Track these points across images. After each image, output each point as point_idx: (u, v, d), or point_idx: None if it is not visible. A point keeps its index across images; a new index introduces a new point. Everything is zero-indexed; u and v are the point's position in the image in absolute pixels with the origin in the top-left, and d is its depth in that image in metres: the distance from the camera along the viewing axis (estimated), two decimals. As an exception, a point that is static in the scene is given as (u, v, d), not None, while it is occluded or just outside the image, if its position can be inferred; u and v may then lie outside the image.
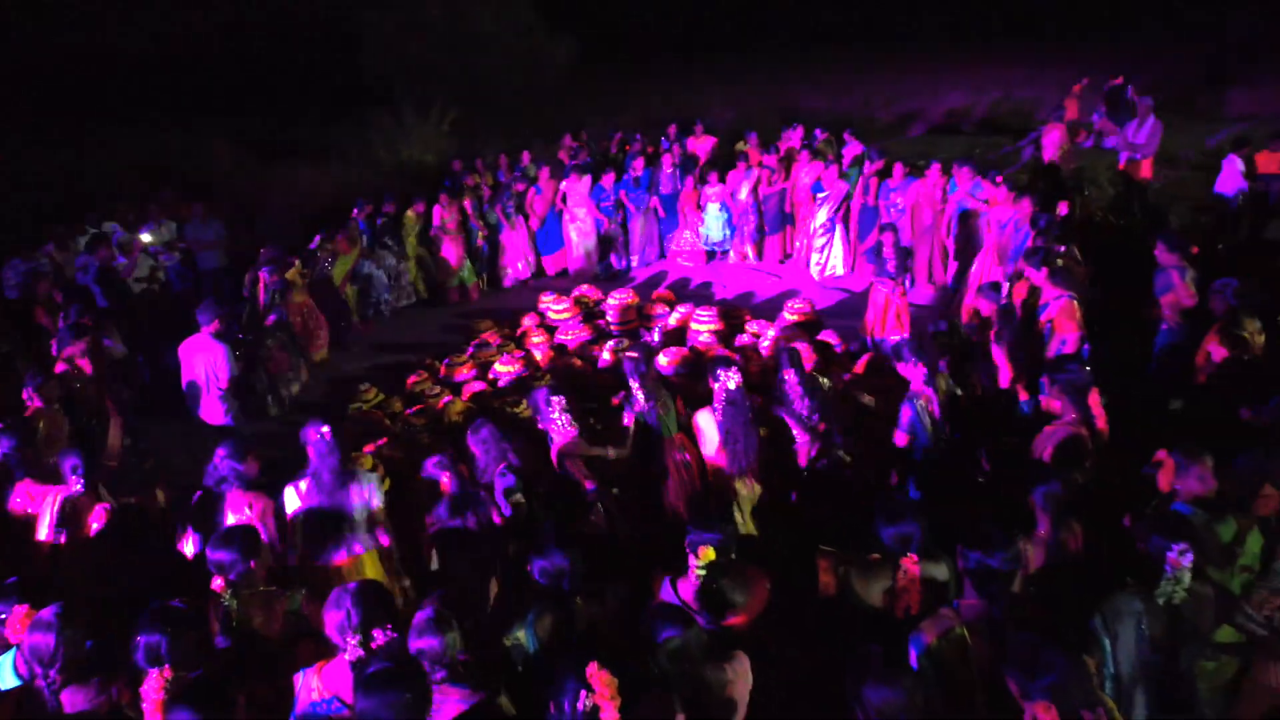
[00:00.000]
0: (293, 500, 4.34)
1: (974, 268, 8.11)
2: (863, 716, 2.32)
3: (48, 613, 2.93)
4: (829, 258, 9.84)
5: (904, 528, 3.05)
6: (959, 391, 5.00)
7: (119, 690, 2.99)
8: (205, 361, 6.23)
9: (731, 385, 4.51)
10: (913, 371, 4.59)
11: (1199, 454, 3.38)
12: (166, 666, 2.87)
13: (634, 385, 4.90)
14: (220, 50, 21.61)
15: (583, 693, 2.35)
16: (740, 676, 2.64)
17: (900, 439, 4.59)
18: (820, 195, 9.68)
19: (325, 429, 4.40)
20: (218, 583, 3.25)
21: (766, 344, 7.64)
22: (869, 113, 18.98)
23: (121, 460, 6.16)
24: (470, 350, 8.28)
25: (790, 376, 4.75)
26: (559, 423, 4.72)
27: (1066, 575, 3.34)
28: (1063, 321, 5.25)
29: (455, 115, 16.15)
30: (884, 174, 9.71)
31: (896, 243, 7.37)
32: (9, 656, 3.12)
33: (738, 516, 4.49)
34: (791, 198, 10.28)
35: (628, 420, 4.96)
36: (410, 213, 10.11)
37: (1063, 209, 7.03)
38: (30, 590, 3.21)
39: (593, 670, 2.38)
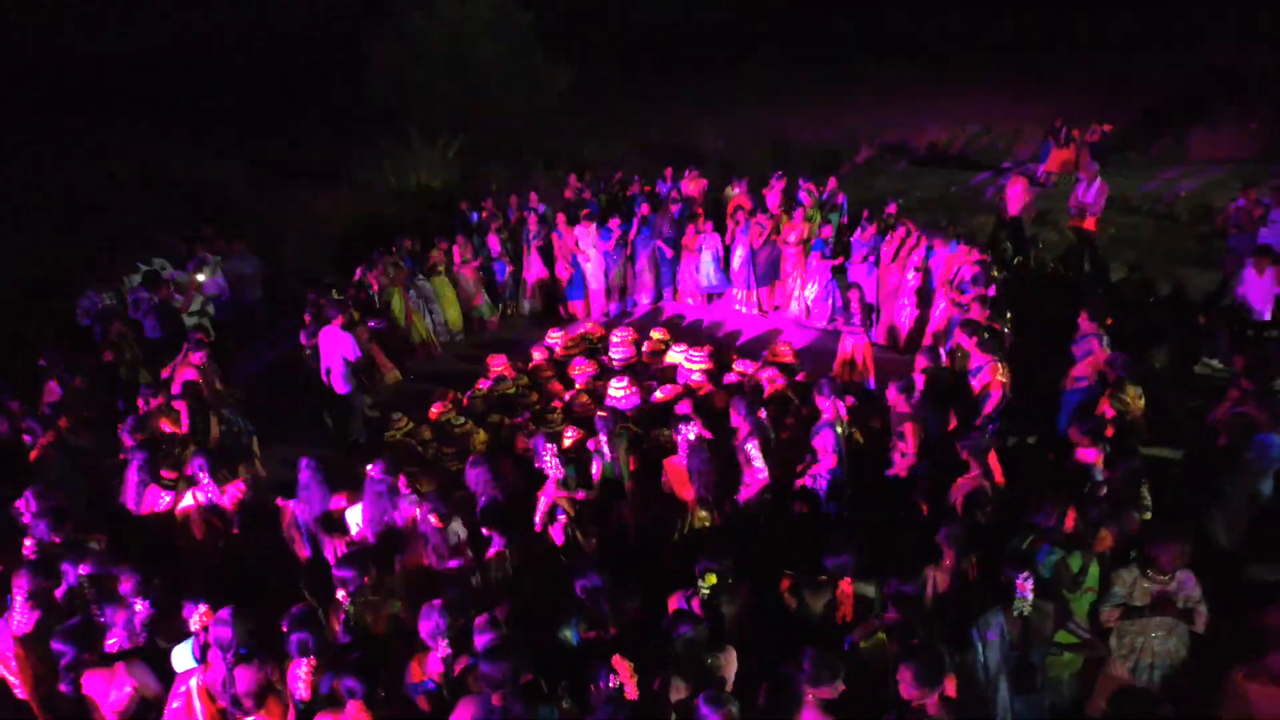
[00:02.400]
0: (355, 520, 5.59)
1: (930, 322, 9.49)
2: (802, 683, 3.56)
3: (225, 612, 4.14)
4: (815, 306, 11.08)
5: (841, 559, 4.32)
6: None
7: (272, 670, 4.21)
8: (336, 347, 8.43)
9: (692, 436, 5.78)
10: (829, 405, 5.90)
11: (1066, 505, 4.68)
12: (312, 656, 4.11)
13: (603, 440, 6.03)
14: (225, 69, 22.42)
15: (611, 675, 3.59)
16: (729, 663, 3.91)
17: (830, 460, 5.86)
18: (816, 251, 10.89)
19: (375, 467, 5.64)
20: (341, 594, 4.49)
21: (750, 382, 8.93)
22: (853, 143, 20.31)
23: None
24: (489, 384, 9.51)
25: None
26: (550, 464, 5.88)
27: (966, 596, 4.61)
28: (991, 382, 6.55)
29: (462, 142, 17.34)
30: (853, 227, 10.98)
31: (861, 299, 8.67)
32: (188, 643, 4.34)
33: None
34: (783, 250, 11.43)
35: (596, 470, 6.05)
36: (436, 252, 11.28)
37: (991, 291, 8.21)
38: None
39: (616, 659, 3.62)
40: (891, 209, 11.42)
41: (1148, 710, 4.60)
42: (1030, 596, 4.00)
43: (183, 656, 4.37)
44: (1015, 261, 10.94)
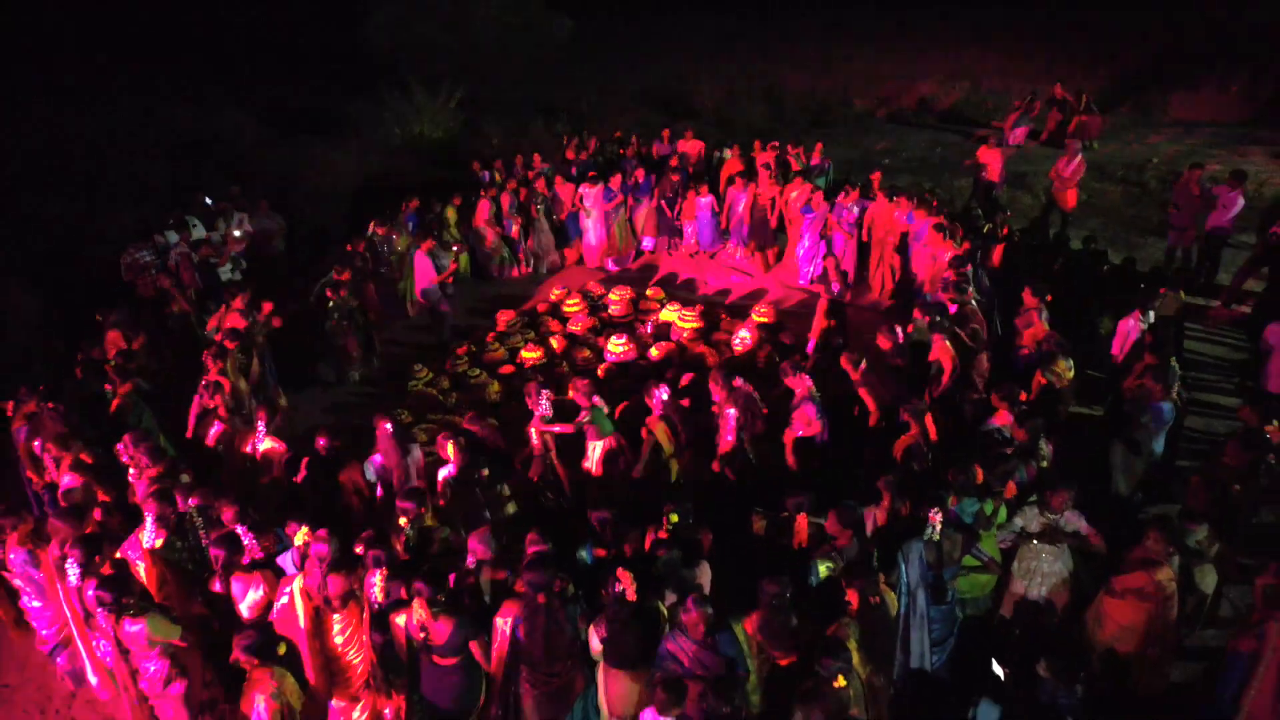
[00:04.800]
0: (370, 469, 6.93)
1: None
2: (764, 600, 4.88)
3: (323, 532, 5.41)
4: (814, 268, 12.14)
5: (799, 500, 5.63)
6: None
7: (354, 579, 5.52)
8: (421, 269, 10.85)
9: (664, 397, 7.04)
10: (797, 382, 7.13)
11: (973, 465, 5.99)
12: (384, 569, 5.41)
13: (597, 401, 7.29)
14: (224, 15, 22.61)
15: (616, 583, 4.90)
16: (704, 574, 5.25)
17: (816, 427, 7.11)
18: (808, 215, 11.92)
19: (388, 425, 6.89)
20: (402, 520, 5.79)
21: (737, 342, 10.18)
22: (846, 97, 21.12)
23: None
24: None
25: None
26: (544, 406, 7.29)
27: (899, 530, 5.93)
28: (942, 357, 7.80)
29: (462, 94, 18.12)
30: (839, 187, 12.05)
31: (838, 266, 9.85)
32: (288, 554, 5.63)
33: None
34: (782, 212, 12.43)
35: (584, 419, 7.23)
36: (450, 209, 12.36)
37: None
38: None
39: (620, 571, 4.92)
40: (876, 176, 12.44)
41: (1036, 616, 5.99)
42: (939, 527, 5.33)
43: (285, 564, 5.70)
44: (985, 229, 12.02)
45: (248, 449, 7.19)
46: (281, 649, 4.74)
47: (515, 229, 12.80)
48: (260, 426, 7.27)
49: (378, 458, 7.04)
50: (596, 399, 7.31)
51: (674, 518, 5.63)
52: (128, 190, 14.27)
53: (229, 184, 13.06)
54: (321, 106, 18.39)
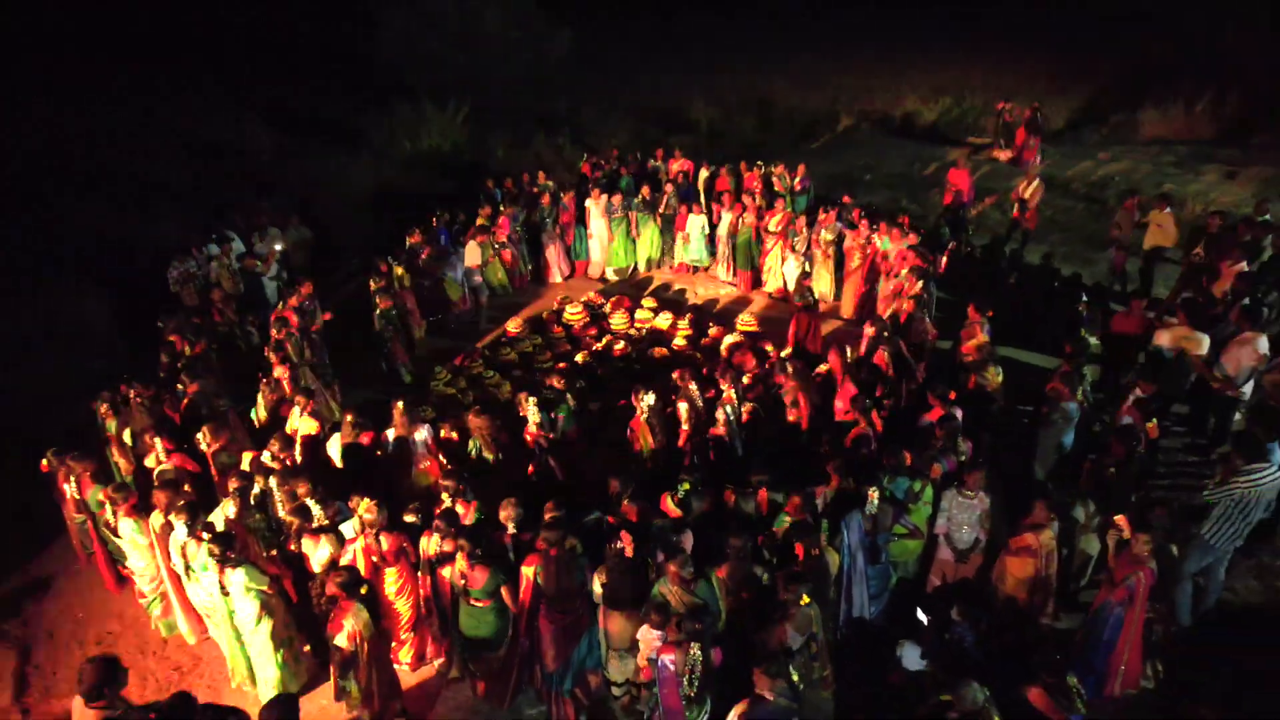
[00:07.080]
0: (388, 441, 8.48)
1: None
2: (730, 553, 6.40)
3: (374, 502, 6.91)
4: (793, 283, 13.57)
5: (759, 475, 7.15)
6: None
7: (404, 540, 7.01)
8: (471, 256, 13.03)
9: (649, 402, 8.56)
10: (725, 384, 8.66)
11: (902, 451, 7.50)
12: (435, 532, 6.93)
13: (569, 399, 8.97)
14: (226, 22, 23.85)
15: (619, 542, 6.41)
16: (686, 539, 6.76)
17: (718, 430, 8.64)
18: (790, 236, 13.43)
19: (399, 403, 8.43)
20: (444, 495, 7.30)
21: (724, 348, 11.69)
22: (833, 112, 22.64)
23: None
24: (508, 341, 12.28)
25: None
26: (533, 412, 8.71)
27: (843, 505, 7.45)
28: (881, 361, 9.34)
29: (469, 108, 19.61)
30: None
31: (811, 282, 11.36)
32: (351, 520, 7.13)
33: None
34: (763, 231, 13.93)
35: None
36: (481, 220, 13.92)
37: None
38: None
39: (623, 534, 6.44)
40: (847, 199, 14.00)
41: (956, 574, 7.52)
42: (876, 502, 6.86)
43: (346, 530, 7.20)
44: (950, 245, 13.54)
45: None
46: (364, 589, 6.24)
47: (524, 242, 14.34)
48: (298, 409, 8.80)
49: (391, 431, 8.58)
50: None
51: (686, 485, 7.17)
52: (128, 190, 15.53)
53: (240, 191, 14.54)
54: (331, 117, 19.79)
